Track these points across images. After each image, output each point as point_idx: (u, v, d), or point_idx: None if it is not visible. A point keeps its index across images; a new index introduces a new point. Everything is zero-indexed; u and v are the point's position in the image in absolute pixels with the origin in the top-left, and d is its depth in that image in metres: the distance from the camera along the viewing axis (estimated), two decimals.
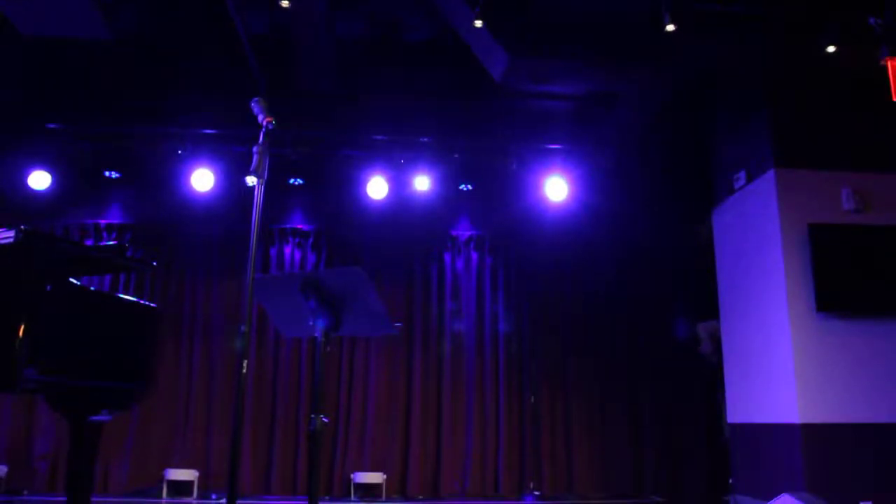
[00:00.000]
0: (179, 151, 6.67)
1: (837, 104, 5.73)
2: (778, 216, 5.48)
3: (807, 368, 5.22)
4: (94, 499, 3.40)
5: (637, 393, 6.98)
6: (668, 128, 6.64)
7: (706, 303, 6.63)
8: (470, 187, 7.08)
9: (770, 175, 5.60)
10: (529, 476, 6.73)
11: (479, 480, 6.68)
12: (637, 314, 7.11)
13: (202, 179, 6.64)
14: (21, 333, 2.60)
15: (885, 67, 4.79)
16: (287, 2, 4.81)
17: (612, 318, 7.12)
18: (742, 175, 6.01)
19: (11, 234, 2.78)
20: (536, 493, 6.66)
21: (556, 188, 6.94)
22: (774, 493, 2.99)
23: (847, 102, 5.71)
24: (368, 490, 6.42)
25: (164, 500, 6.14)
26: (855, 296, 5.34)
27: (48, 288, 2.77)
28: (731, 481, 6.05)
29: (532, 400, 6.92)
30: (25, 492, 6.13)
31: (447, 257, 7.22)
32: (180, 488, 6.25)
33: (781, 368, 5.36)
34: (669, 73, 5.71)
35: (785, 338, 5.33)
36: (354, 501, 6.30)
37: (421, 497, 6.51)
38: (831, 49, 5.27)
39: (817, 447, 5.08)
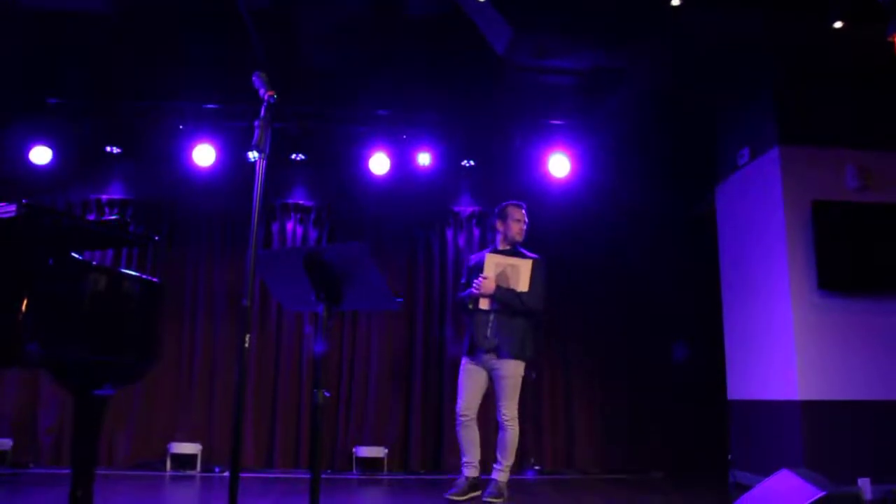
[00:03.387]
0: (180, 126, 6.66)
1: (843, 81, 5.68)
2: (781, 193, 5.47)
3: (807, 345, 5.23)
4: (98, 471, 3.43)
5: (638, 368, 7.01)
6: (672, 104, 6.59)
7: (706, 280, 6.64)
8: (472, 163, 7.07)
9: (774, 152, 5.58)
10: (530, 451, 6.78)
11: (481, 455, 6.71)
12: (638, 290, 7.11)
13: (203, 154, 6.64)
14: (24, 308, 2.60)
15: (892, 44, 4.74)
16: None
17: (613, 294, 7.13)
18: (746, 152, 5.99)
19: (13, 208, 2.77)
20: (537, 467, 6.71)
21: (559, 164, 6.95)
22: (773, 469, 3.01)
23: (853, 79, 5.67)
24: (370, 464, 6.48)
25: (168, 473, 6.20)
26: (857, 273, 5.35)
27: (50, 262, 2.77)
28: (729, 457, 6.09)
29: (533, 376, 6.94)
30: (31, 465, 6.19)
31: (449, 233, 7.21)
32: (184, 462, 6.31)
33: (782, 345, 5.38)
34: (674, 48, 5.67)
35: (786, 314, 5.34)
36: (356, 475, 6.36)
37: (423, 471, 6.56)
38: (838, 25, 5.21)
39: (817, 424, 5.11)
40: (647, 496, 5.42)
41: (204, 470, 6.30)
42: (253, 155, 2.61)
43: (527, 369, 4.81)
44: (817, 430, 5.10)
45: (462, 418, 4.79)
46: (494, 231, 5.01)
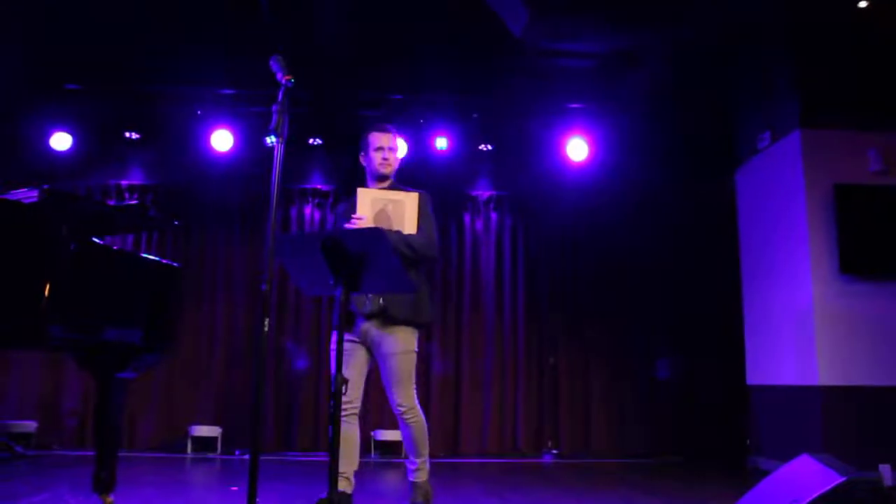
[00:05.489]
0: (198, 112, 6.70)
1: (866, 62, 5.58)
2: (803, 177, 5.40)
3: (828, 330, 5.19)
4: (121, 453, 3.48)
5: (655, 352, 6.99)
6: (690, 87, 6.52)
7: (725, 264, 6.59)
8: (489, 147, 7.04)
9: (795, 135, 5.51)
10: (548, 435, 6.80)
11: (497, 439, 6.76)
12: (657, 273, 7.08)
13: (221, 140, 6.68)
14: (47, 292, 2.63)
15: None
16: None
17: (631, 278, 7.10)
18: (766, 135, 5.92)
19: (35, 193, 2.80)
20: (555, 451, 6.73)
21: (577, 148, 6.91)
22: (793, 455, 2.99)
23: (876, 61, 5.57)
24: (389, 448, 6.52)
25: (188, 456, 6.28)
26: (879, 257, 5.29)
27: (72, 247, 2.80)
28: (748, 442, 6.07)
29: (552, 361, 6.95)
30: (55, 446, 6.30)
31: (466, 217, 7.21)
32: (204, 444, 6.39)
33: (802, 330, 5.33)
34: (693, 29, 5.60)
35: (807, 299, 5.29)
36: (375, 458, 6.41)
37: (441, 455, 6.59)
38: (863, 4, 5.12)
39: (837, 409, 5.08)
40: (666, 481, 5.42)
41: (224, 452, 6.38)
42: (271, 139, 2.61)
43: (420, 339, 3.67)
44: (837, 416, 5.06)
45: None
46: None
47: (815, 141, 5.46)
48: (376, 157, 3.71)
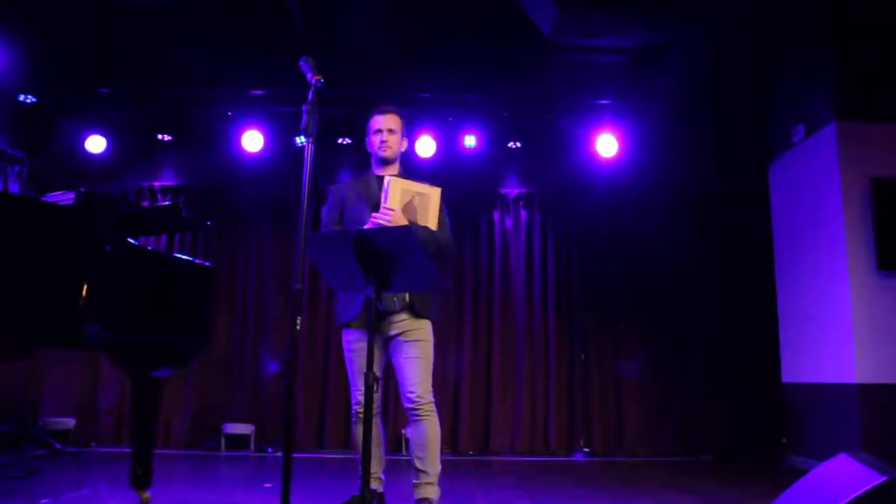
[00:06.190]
0: (229, 113, 6.77)
1: None
2: (838, 171, 5.30)
3: (866, 327, 5.09)
4: (156, 450, 3.54)
5: (688, 349, 6.92)
6: (722, 80, 6.43)
7: (759, 260, 6.49)
8: (519, 145, 7.02)
9: (831, 128, 5.40)
10: (579, 432, 6.76)
11: (528, 437, 6.74)
12: (688, 270, 7.00)
13: (252, 140, 6.75)
14: (84, 292, 2.68)
15: None
16: None
17: (662, 274, 7.03)
18: (801, 129, 5.82)
19: (71, 195, 2.86)
20: (586, 449, 6.69)
21: (607, 144, 6.86)
22: (829, 454, 2.94)
23: None
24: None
25: (222, 453, 6.35)
26: None
27: (108, 248, 2.85)
28: (784, 441, 5.98)
29: (582, 357, 6.92)
30: (92, 443, 6.41)
31: (496, 215, 7.19)
32: (237, 442, 6.46)
33: (839, 327, 5.24)
34: (725, 21, 5.51)
35: (844, 296, 5.20)
36: (406, 456, 6.42)
37: (471, 452, 6.60)
38: None
39: (875, 408, 4.98)
40: (700, 480, 5.36)
41: (257, 450, 6.44)
42: (301, 139, 2.63)
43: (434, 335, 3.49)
44: (875, 414, 4.97)
45: (358, 412, 3.35)
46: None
47: (851, 134, 5.35)
48: (375, 141, 3.49)
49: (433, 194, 3.30)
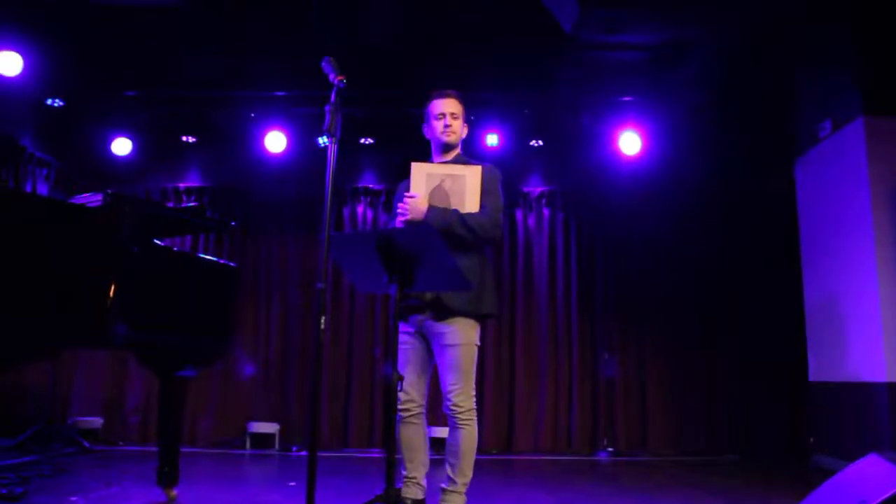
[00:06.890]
0: (252, 114, 6.82)
1: None
2: (867, 166, 5.22)
3: None
4: (182, 449, 3.58)
5: (712, 348, 6.86)
6: (746, 75, 6.36)
7: (784, 257, 6.41)
8: (540, 143, 6.99)
9: (858, 124, 5.32)
10: (603, 432, 6.73)
11: (552, 436, 6.72)
12: (712, 268, 6.94)
13: (275, 141, 6.79)
14: (112, 293, 2.72)
15: None
16: None
17: (687, 273, 6.97)
18: (827, 124, 5.73)
19: (99, 197, 2.90)
20: (610, 448, 6.66)
21: (630, 142, 6.81)
22: (858, 454, 2.89)
23: None
24: (443, 444, 6.52)
25: (247, 452, 6.41)
26: None
27: (135, 250, 2.88)
28: (811, 440, 5.90)
29: (606, 357, 6.88)
30: (120, 442, 6.50)
31: (518, 214, 7.18)
32: (262, 441, 6.51)
33: (868, 325, 5.16)
34: (748, 15, 5.45)
35: (872, 294, 5.12)
36: (430, 455, 6.42)
37: (494, 451, 6.59)
38: None
39: None
40: (725, 480, 5.31)
41: (282, 449, 6.48)
42: (323, 140, 2.64)
43: (482, 331, 3.31)
44: None
45: (402, 412, 3.20)
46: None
47: (879, 129, 5.26)
48: (438, 126, 3.32)
49: (469, 174, 3.16)
